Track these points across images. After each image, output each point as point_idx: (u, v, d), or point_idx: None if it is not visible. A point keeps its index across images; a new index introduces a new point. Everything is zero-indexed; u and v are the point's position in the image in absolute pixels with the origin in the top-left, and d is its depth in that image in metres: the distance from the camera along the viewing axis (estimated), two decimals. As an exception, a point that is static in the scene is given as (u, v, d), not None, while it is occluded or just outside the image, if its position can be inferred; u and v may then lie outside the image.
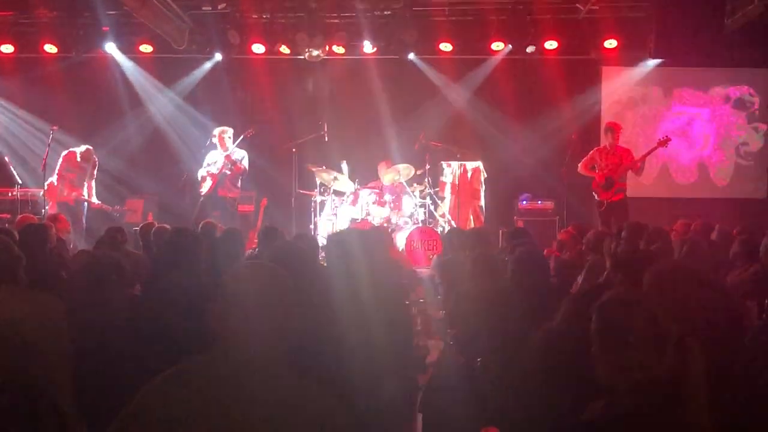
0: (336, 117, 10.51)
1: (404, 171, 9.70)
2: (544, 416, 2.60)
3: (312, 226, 9.78)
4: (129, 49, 10.62)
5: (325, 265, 3.86)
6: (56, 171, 9.02)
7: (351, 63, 10.73)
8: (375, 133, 10.67)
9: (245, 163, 9.23)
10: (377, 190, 9.74)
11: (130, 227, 7.72)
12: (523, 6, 9.85)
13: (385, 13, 10.11)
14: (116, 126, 10.72)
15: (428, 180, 9.83)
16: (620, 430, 2.05)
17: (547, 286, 4.02)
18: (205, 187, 9.14)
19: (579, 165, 8.80)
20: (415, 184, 9.90)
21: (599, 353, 2.15)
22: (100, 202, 9.29)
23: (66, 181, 8.99)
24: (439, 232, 9.26)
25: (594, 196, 8.66)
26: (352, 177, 9.81)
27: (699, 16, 8.64)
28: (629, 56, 10.47)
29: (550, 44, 10.07)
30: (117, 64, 10.75)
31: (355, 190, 9.68)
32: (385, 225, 9.22)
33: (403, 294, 4.55)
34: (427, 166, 9.82)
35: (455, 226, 9.17)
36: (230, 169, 9.15)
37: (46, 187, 8.88)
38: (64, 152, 9.13)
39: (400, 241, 8.97)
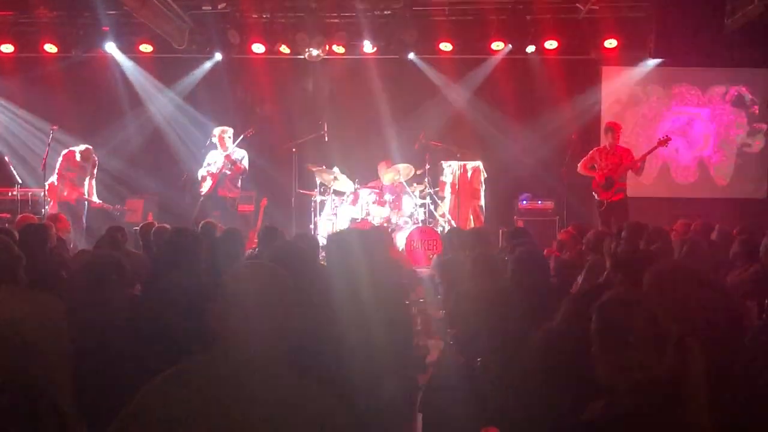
0: (336, 117, 10.52)
1: (404, 171, 9.70)
2: (544, 416, 2.60)
3: (312, 226, 9.78)
4: (129, 49, 10.62)
5: (325, 264, 3.86)
6: (56, 170, 9.03)
7: (351, 63, 10.73)
8: (375, 133, 10.68)
9: (245, 163, 9.23)
10: (377, 190, 9.74)
11: (130, 227, 7.72)
12: (523, 6, 9.85)
13: (385, 12, 10.11)
14: (116, 126, 10.73)
15: (428, 180, 9.83)
16: (620, 430, 2.05)
17: (547, 286, 4.02)
18: (205, 187, 9.14)
19: (578, 165, 8.80)
20: (415, 184, 9.90)
21: (599, 353, 2.15)
22: (100, 202, 9.30)
23: (66, 181, 8.99)
24: (439, 232, 9.26)
25: (594, 196, 8.66)
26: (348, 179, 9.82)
27: (699, 16, 8.64)
28: (629, 56, 10.47)
29: (550, 44, 10.07)
30: (117, 64, 10.76)
31: (355, 189, 9.68)
32: (385, 225, 9.22)
33: (403, 294, 4.55)
34: (427, 166, 9.82)
35: (455, 225, 9.17)
36: (230, 169, 9.15)
37: (47, 187, 8.88)
38: (64, 151, 9.15)
39: (400, 240, 8.97)
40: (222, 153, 9.17)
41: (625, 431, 2.04)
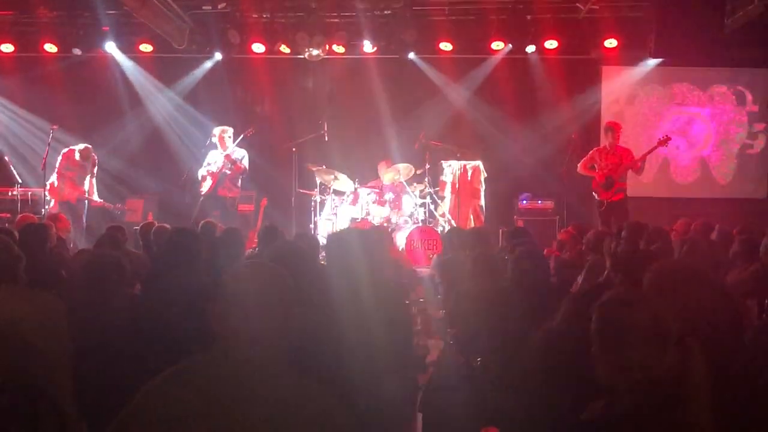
0: (336, 116, 10.52)
1: (404, 170, 9.70)
2: (544, 416, 2.60)
3: (312, 226, 9.78)
4: (129, 49, 10.61)
5: (325, 264, 3.86)
6: (56, 170, 9.03)
7: (351, 62, 10.73)
8: (375, 133, 10.68)
9: (245, 163, 9.23)
10: (377, 190, 9.74)
11: (130, 226, 7.73)
12: (523, 5, 9.84)
13: (385, 12, 10.10)
14: (116, 125, 10.73)
15: (428, 179, 9.83)
16: (620, 430, 2.05)
17: (547, 286, 4.02)
18: (205, 187, 9.14)
19: (578, 165, 8.80)
20: (415, 184, 9.90)
21: (599, 353, 2.15)
22: (101, 200, 9.30)
23: (67, 180, 9.00)
24: (439, 232, 9.26)
25: (594, 196, 8.66)
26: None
27: (699, 15, 8.65)
28: (629, 56, 10.47)
29: (550, 44, 10.06)
30: (117, 64, 10.75)
31: (355, 189, 9.68)
32: (385, 224, 9.22)
33: (403, 294, 4.55)
34: (427, 166, 9.82)
35: (455, 225, 9.17)
36: (230, 169, 9.15)
37: (48, 187, 8.89)
38: (64, 150, 9.15)
39: (400, 240, 8.97)
40: (222, 153, 9.17)
41: (625, 431, 2.04)
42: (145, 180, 10.77)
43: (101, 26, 10.28)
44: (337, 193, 9.84)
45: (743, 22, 8.65)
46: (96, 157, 9.32)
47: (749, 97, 10.87)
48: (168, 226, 6.27)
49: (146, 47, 10.43)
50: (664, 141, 8.43)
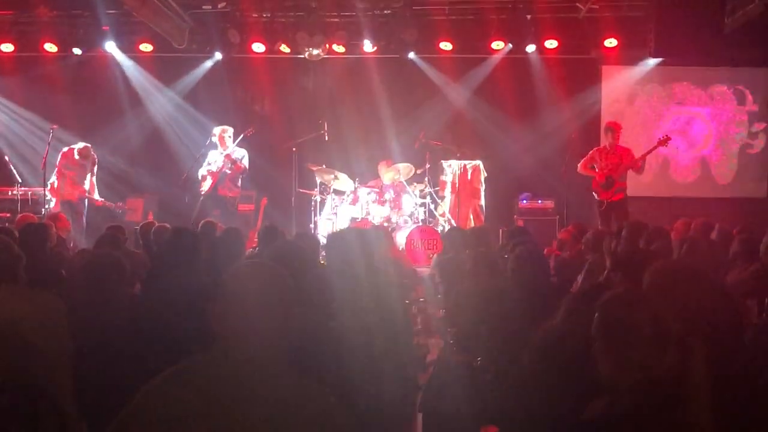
0: (336, 116, 10.52)
1: (404, 170, 9.70)
2: (544, 416, 2.60)
3: (312, 226, 9.78)
4: (129, 48, 10.61)
5: (325, 264, 3.86)
6: (56, 169, 9.03)
7: (351, 62, 10.73)
8: (375, 133, 10.68)
9: (245, 162, 9.23)
10: (377, 189, 9.74)
11: (130, 226, 7.73)
12: (523, 5, 9.84)
13: (385, 12, 10.10)
14: (116, 125, 10.72)
15: (428, 179, 9.83)
16: (620, 429, 2.05)
17: (547, 285, 4.02)
18: (205, 186, 9.14)
19: (578, 165, 8.80)
20: (415, 183, 9.90)
21: (600, 353, 2.15)
22: (102, 199, 9.30)
23: (67, 179, 9.00)
24: (439, 231, 9.26)
25: (594, 196, 8.66)
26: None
27: (699, 15, 8.65)
28: (629, 55, 10.46)
29: (550, 43, 10.06)
30: (117, 63, 10.75)
31: (355, 189, 9.68)
32: (385, 224, 9.22)
33: (403, 293, 4.55)
34: (427, 165, 9.82)
35: (455, 225, 9.17)
36: (230, 168, 9.15)
37: (48, 187, 8.89)
38: (63, 149, 9.15)
39: (401, 240, 8.97)
40: (222, 152, 9.17)
41: (626, 431, 2.04)
42: (145, 179, 10.77)
43: (101, 26, 10.27)
44: (337, 192, 9.84)
45: (743, 22, 8.65)
46: (96, 156, 9.32)
47: (749, 96, 10.87)
48: (168, 225, 6.26)
49: (146, 47, 10.43)
50: (664, 141, 8.42)
